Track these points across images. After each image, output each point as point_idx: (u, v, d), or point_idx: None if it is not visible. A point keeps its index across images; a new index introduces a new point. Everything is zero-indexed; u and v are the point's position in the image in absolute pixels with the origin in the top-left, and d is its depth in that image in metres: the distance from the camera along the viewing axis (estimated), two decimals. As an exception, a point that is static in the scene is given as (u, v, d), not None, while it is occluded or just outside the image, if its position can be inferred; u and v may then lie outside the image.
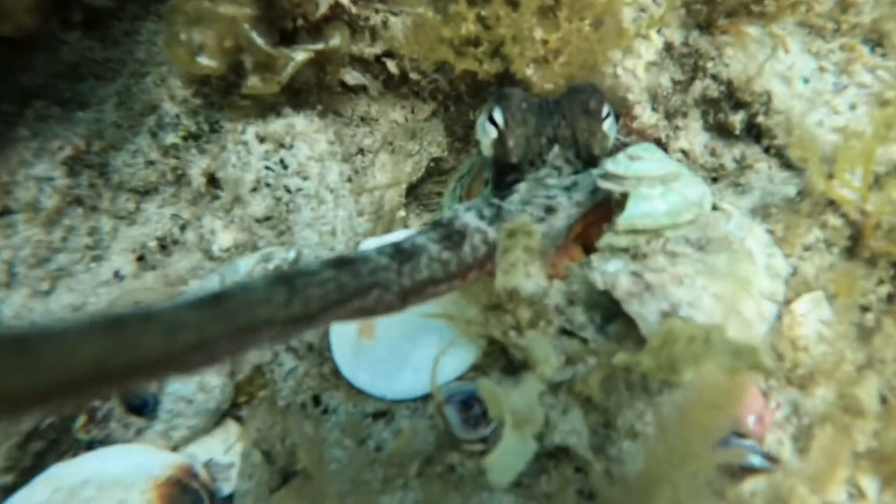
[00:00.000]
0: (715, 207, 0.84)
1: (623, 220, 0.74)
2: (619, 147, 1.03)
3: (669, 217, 0.74)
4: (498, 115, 0.92)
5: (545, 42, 1.02)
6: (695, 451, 0.52)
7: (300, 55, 0.96)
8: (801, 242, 0.91)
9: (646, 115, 1.19)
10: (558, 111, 0.93)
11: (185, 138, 1.13)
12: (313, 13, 0.95)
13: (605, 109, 0.93)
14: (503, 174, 0.94)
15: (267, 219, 1.02)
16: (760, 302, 0.74)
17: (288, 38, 1.02)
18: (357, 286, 0.54)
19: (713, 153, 1.11)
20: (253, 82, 0.96)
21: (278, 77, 0.95)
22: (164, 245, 1.16)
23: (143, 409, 1.02)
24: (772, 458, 0.78)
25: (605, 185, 0.79)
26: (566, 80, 1.01)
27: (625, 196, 0.77)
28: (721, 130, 1.11)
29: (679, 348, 0.56)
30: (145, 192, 1.20)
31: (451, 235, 0.71)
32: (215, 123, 1.13)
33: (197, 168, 1.12)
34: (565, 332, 0.79)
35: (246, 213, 1.02)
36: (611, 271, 0.73)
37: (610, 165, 0.79)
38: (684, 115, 1.16)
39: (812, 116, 0.99)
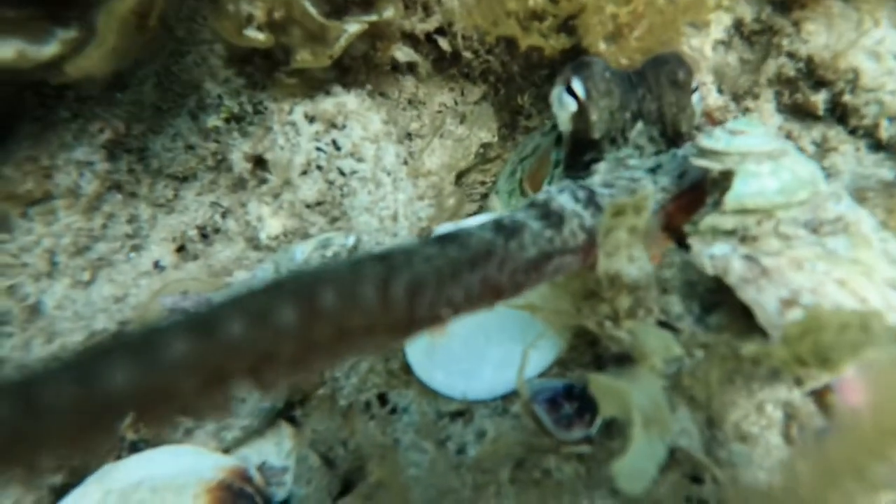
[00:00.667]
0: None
1: (731, 198, 0.67)
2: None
3: (783, 195, 0.67)
4: (578, 86, 0.85)
5: (615, 16, 0.96)
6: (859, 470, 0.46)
7: (353, 27, 0.89)
8: (903, 228, 0.84)
9: (711, 97, 1.12)
10: (642, 83, 0.85)
11: (227, 120, 1.07)
12: None
13: (694, 83, 0.86)
14: (579, 153, 0.87)
15: (319, 204, 0.96)
16: (884, 290, 0.67)
17: (339, 11, 0.96)
18: (470, 257, 0.48)
19: (789, 136, 1.04)
20: (303, 56, 0.89)
21: (330, 50, 0.89)
22: (206, 234, 1.10)
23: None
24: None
25: (702, 162, 0.72)
26: (643, 54, 0.94)
27: (726, 174, 0.70)
28: (797, 112, 1.05)
29: (829, 337, 0.49)
30: (184, 179, 1.14)
31: (550, 215, 0.64)
32: (259, 104, 1.06)
33: (239, 152, 1.06)
34: (661, 324, 0.72)
35: (296, 197, 0.96)
36: (719, 255, 0.67)
37: (706, 141, 0.72)
38: (755, 96, 1.09)
39: (906, 94, 0.93)
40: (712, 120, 1.09)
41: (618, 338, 0.68)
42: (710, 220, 0.69)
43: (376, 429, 0.78)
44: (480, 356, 0.76)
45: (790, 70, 1.03)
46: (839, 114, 0.99)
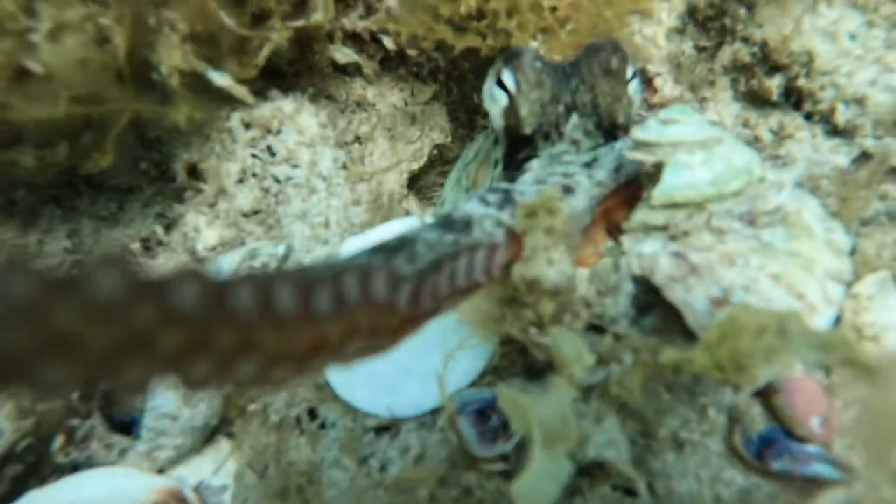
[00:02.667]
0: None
1: (660, 192, 0.63)
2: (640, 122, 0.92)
3: (715, 186, 0.63)
4: (508, 78, 0.80)
5: (553, 9, 0.92)
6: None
7: (276, 35, 0.86)
8: (859, 217, 0.79)
9: (668, 88, 1.08)
10: (576, 73, 0.81)
11: (167, 129, 1.04)
12: None
13: (630, 69, 0.81)
14: (514, 150, 0.83)
15: (255, 212, 0.92)
16: (825, 283, 0.63)
17: (265, 18, 0.92)
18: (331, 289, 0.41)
19: (746, 124, 1.00)
20: (230, 67, 0.86)
21: (254, 60, 0.86)
22: (149, 247, 1.07)
23: (131, 426, 0.92)
24: (843, 467, 0.67)
25: (635, 155, 0.69)
26: (575, 51, 0.90)
27: (658, 166, 0.66)
28: (754, 99, 1.01)
29: (746, 342, 0.45)
30: (128, 190, 1.11)
31: (452, 224, 0.56)
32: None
33: (180, 161, 1.03)
34: (594, 328, 0.68)
35: (232, 206, 0.93)
36: (647, 253, 0.63)
37: (639, 132, 0.69)
38: (711, 84, 1.05)
39: (862, 75, 0.88)
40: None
41: (543, 345, 0.64)
42: (640, 215, 0.65)
43: (306, 445, 0.75)
44: (405, 370, 0.72)
45: (745, 56, 0.99)
46: (795, 99, 0.95)
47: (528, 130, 0.79)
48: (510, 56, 0.81)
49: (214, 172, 0.94)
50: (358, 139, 1.13)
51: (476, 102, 1.26)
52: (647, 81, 1.08)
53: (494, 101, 0.82)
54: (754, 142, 0.97)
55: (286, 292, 0.35)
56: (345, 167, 0.97)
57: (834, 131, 0.91)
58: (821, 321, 0.61)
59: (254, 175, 0.93)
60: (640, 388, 0.55)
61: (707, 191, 0.63)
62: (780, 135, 0.95)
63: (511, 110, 0.80)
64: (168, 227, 1.08)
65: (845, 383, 0.72)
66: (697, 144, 0.65)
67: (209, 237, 0.93)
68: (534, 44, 0.90)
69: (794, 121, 0.94)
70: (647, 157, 0.67)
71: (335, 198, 0.92)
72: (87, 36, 0.75)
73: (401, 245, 0.50)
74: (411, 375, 0.74)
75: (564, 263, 0.61)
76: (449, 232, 0.54)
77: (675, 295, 0.60)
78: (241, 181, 0.94)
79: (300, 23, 0.89)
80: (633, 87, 0.82)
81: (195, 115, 0.84)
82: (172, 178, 1.07)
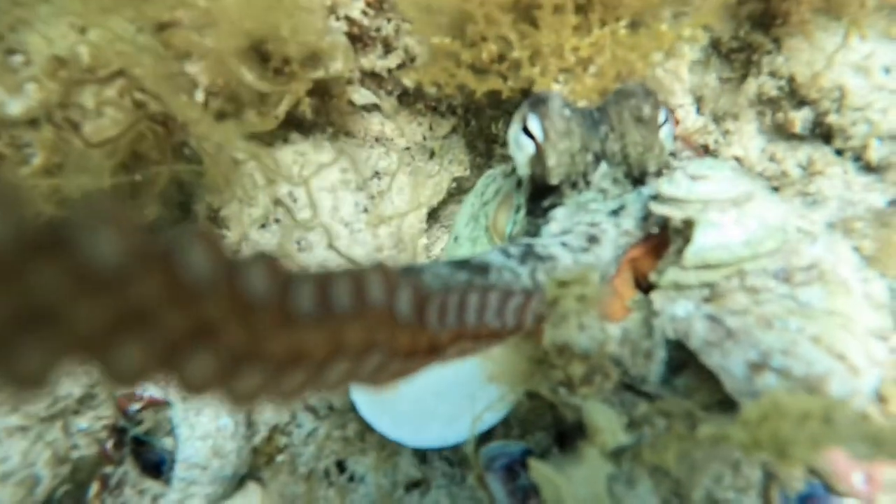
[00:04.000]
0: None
1: (692, 253, 0.62)
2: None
3: (749, 248, 0.62)
4: (535, 126, 0.78)
5: (576, 49, 0.91)
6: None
7: (298, 86, 0.86)
8: (896, 261, 0.77)
9: (690, 119, 1.06)
10: (605, 120, 0.79)
11: (190, 172, 1.05)
12: (310, 44, 0.85)
13: (663, 115, 0.79)
14: (539, 197, 0.82)
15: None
16: (867, 341, 0.61)
17: (285, 69, 0.92)
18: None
19: (773, 158, 0.98)
20: (250, 118, 0.87)
21: (275, 112, 0.86)
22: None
23: (160, 467, 0.93)
24: (885, 527, 0.65)
25: (662, 209, 0.67)
26: (600, 94, 0.89)
27: (688, 223, 0.65)
28: (781, 132, 0.98)
29: (788, 428, 0.44)
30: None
31: (467, 265, 0.52)
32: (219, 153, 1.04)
33: (202, 203, 1.03)
34: (626, 387, 0.67)
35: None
36: (681, 316, 0.61)
37: (667, 187, 0.67)
38: (735, 116, 1.03)
39: None
40: (690, 144, 1.03)
41: (574, 405, 0.63)
42: (671, 274, 0.64)
43: (335, 498, 0.75)
44: (431, 413, 0.72)
45: (771, 89, 0.97)
46: (824, 134, 0.93)
47: (555, 181, 0.78)
48: (537, 102, 0.79)
49: (237, 218, 0.95)
50: (377, 174, 1.13)
51: (494, 133, 1.25)
52: (670, 113, 1.06)
53: (520, 149, 0.81)
54: (782, 177, 0.95)
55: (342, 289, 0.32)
56: (366, 210, 0.97)
57: (867, 168, 0.88)
58: (865, 383, 0.60)
59: (276, 221, 0.94)
60: (675, 458, 0.53)
61: (741, 252, 0.61)
62: (808, 170, 0.92)
63: (538, 159, 0.79)
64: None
65: (885, 437, 0.70)
66: (729, 202, 0.63)
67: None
68: (556, 86, 0.89)
69: (824, 156, 0.92)
70: (675, 213, 0.66)
71: (358, 245, 0.92)
72: (124, 107, 0.76)
73: (406, 271, 0.46)
74: (435, 418, 0.74)
75: (595, 329, 0.60)
76: (461, 270, 0.50)
77: (711, 360, 0.58)
78: (263, 227, 0.94)
79: (320, 74, 0.89)
80: (665, 133, 0.80)
81: (229, 176, 0.85)
82: (195, 219, 1.08)
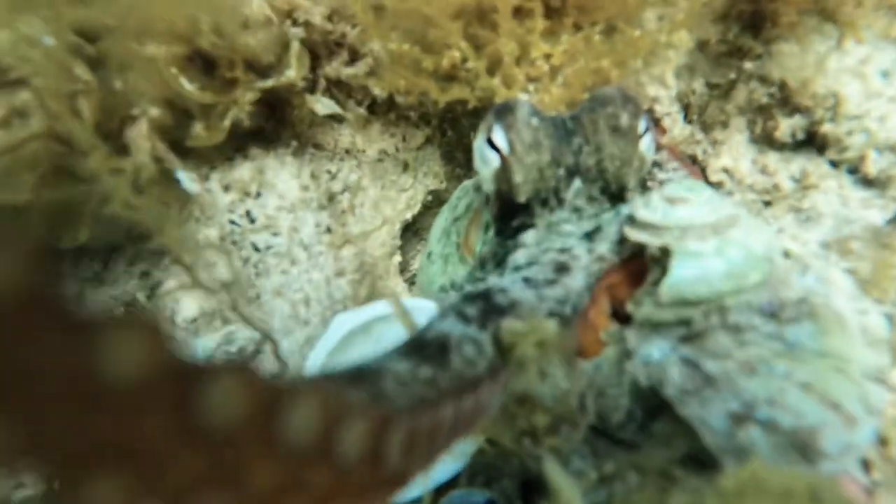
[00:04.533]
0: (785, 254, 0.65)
1: (668, 287, 0.56)
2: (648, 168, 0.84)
3: (731, 280, 0.55)
4: (500, 137, 0.71)
5: (547, 56, 0.84)
6: None
7: (246, 96, 0.80)
8: (896, 286, 0.71)
9: (677, 129, 1.00)
10: (579, 130, 0.71)
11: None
12: (252, 48, 0.79)
13: (643, 124, 0.71)
14: (508, 216, 0.75)
15: (235, 282, 0.87)
16: (863, 386, 0.55)
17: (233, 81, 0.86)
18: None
19: (764, 170, 0.91)
20: (197, 132, 0.80)
21: (221, 125, 0.80)
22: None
23: None
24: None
25: (637, 236, 0.61)
26: (567, 106, 0.82)
27: (665, 251, 0.59)
28: (772, 142, 0.92)
29: (771, 505, 0.38)
30: (112, 249, 1.07)
31: (425, 348, 0.45)
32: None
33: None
34: (598, 432, 0.61)
35: (211, 276, 0.87)
36: (656, 359, 0.55)
37: (642, 211, 0.61)
38: (724, 125, 0.96)
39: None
40: (676, 154, 0.97)
41: (539, 457, 0.57)
42: (646, 310, 0.58)
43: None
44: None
45: (762, 96, 0.90)
46: (818, 145, 0.86)
47: (522, 198, 0.71)
48: (502, 111, 0.72)
49: (192, 239, 0.89)
50: (347, 188, 1.07)
51: (472, 142, 1.19)
52: (655, 122, 1.00)
53: (485, 163, 0.74)
54: (773, 190, 0.89)
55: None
56: (329, 230, 0.91)
57: (864, 181, 0.82)
58: (861, 436, 0.53)
59: (233, 243, 0.88)
60: (648, 528, 0.47)
61: (722, 286, 0.55)
62: (802, 183, 0.86)
63: (503, 174, 0.71)
64: (152, 290, 1.03)
65: (887, 482, 0.64)
66: (709, 229, 0.57)
67: (189, 308, 0.88)
68: (523, 97, 0.83)
69: (818, 168, 0.85)
70: (652, 240, 0.60)
71: (316, 270, 0.85)
72: (42, 119, 0.70)
73: (360, 376, 0.39)
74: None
75: (559, 376, 0.54)
76: (423, 363, 0.43)
77: (689, 411, 0.52)
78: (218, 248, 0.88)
79: (269, 83, 0.83)
80: (646, 144, 0.72)
81: (167, 202, 0.79)
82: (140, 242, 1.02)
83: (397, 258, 1.07)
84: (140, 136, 0.77)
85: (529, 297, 0.64)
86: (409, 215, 1.10)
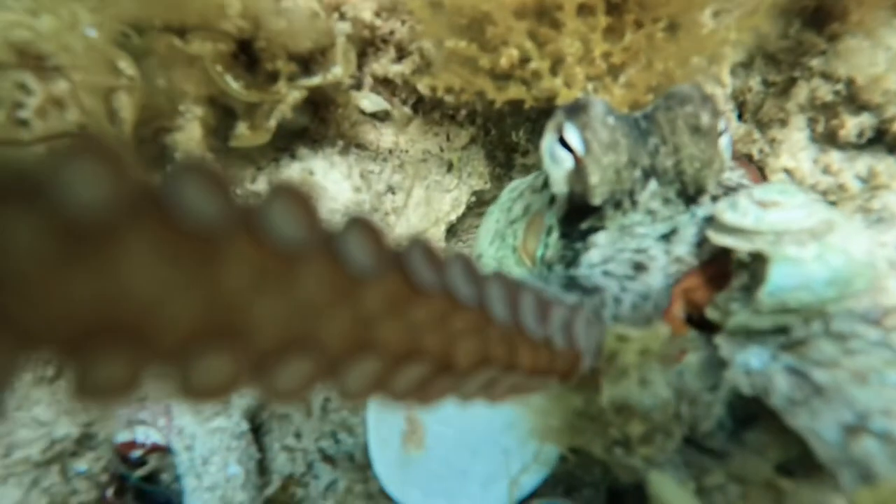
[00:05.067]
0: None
1: (768, 295, 0.54)
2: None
3: (835, 287, 0.53)
4: (574, 137, 0.67)
5: (607, 55, 0.82)
6: None
7: (292, 94, 0.77)
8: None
9: (732, 127, 0.98)
10: (654, 130, 0.68)
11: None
12: (299, 46, 0.76)
13: (722, 124, 0.69)
14: (575, 219, 0.73)
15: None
16: (970, 396, 0.53)
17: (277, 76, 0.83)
18: None
19: (827, 170, 0.89)
20: (241, 131, 0.78)
21: (266, 124, 0.77)
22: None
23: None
24: None
25: (725, 240, 0.59)
26: (630, 107, 0.80)
27: (756, 257, 0.57)
28: (834, 141, 0.90)
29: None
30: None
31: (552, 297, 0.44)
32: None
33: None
34: (688, 442, 0.59)
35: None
36: (757, 368, 0.53)
37: (731, 215, 0.59)
38: (783, 123, 0.94)
39: (971, 119, 0.77)
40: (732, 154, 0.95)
41: (631, 467, 0.56)
42: (741, 317, 0.56)
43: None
44: (464, 472, 0.64)
45: (826, 93, 0.88)
46: (887, 144, 0.84)
47: (598, 201, 0.68)
48: (575, 109, 0.68)
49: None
50: (391, 189, 1.05)
51: (514, 141, 1.17)
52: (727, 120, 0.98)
53: (557, 163, 0.71)
54: (839, 191, 0.86)
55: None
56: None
57: (937, 181, 0.80)
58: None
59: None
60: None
61: (826, 293, 0.53)
62: (870, 183, 0.84)
63: (578, 176, 0.68)
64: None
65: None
66: (807, 234, 0.55)
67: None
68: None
69: (888, 167, 0.83)
70: (742, 245, 0.57)
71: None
72: (81, 112, 0.67)
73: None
74: (470, 478, 0.66)
75: (660, 385, 0.52)
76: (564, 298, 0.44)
77: (799, 422, 0.50)
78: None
79: (316, 80, 0.80)
80: (724, 144, 0.69)
81: None
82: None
83: (443, 260, 1.05)
84: (191, 141, 0.75)
85: (612, 285, 0.62)
86: (453, 217, 1.08)
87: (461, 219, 1.19)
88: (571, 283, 0.60)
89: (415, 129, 1.08)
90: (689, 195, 0.68)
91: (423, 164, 1.07)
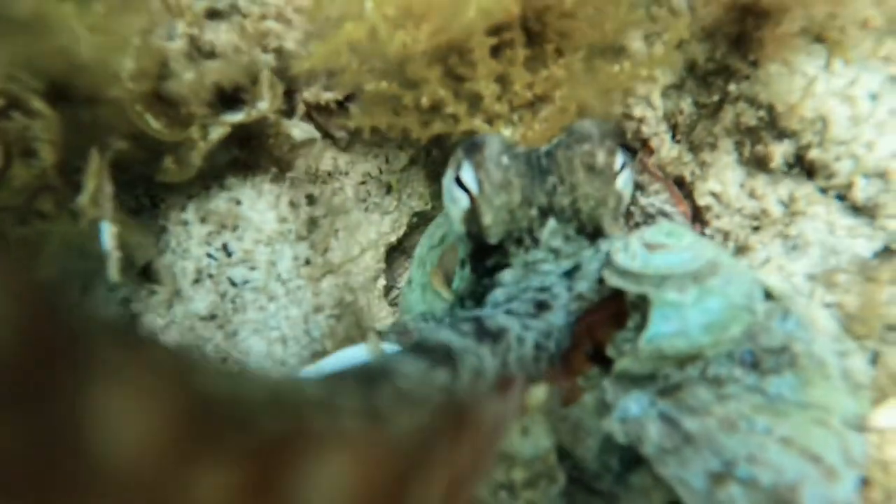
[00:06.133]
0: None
1: (647, 342, 0.55)
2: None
3: (711, 334, 0.54)
4: (468, 176, 0.69)
5: (530, 85, 0.82)
6: None
7: (215, 131, 0.77)
8: (883, 321, 0.70)
9: (665, 149, 0.98)
10: (553, 168, 0.69)
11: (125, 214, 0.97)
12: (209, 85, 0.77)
13: (619, 160, 0.70)
14: (482, 255, 0.73)
15: (212, 317, 0.85)
16: (845, 436, 0.54)
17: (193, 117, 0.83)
18: None
19: (752, 194, 0.90)
20: (167, 165, 0.78)
21: (191, 160, 0.78)
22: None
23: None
24: None
25: (616, 282, 0.60)
26: (549, 141, 0.80)
27: (643, 299, 0.58)
28: (761, 165, 0.90)
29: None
30: (94, 275, 1.05)
31: (430, 352, 0.42)
32: (155, 197, 0.96)
33: (140, 256, 0.96)
34: (572, 480, 0.60)
35: (188, 310, 0.86)
36: (633, 415, 0.54)
37: (621, 257, 0.60)
38: (713, 147, 0.94)
39: (885, 145, 0.78)
40: (657, 178, 0.95)
41: (517, 512, 0.56)
42: (625, 363, 0.57)
43: None
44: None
45: (750, 118, 0.88)
46: (807, 169, 0.84)
47: (493, 240, 0.69)
48: (471, 148, 0.70)
49: (169, 272, 0.87)
50: (328, 213, 1.05)
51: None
52: (643, 142, 0.98)
53: (454, 203, 0.72)
54: (762, 216, 0.87)
55: None
56: (308, 262, 0.89)
57: (853, 209, 0.80)
58: (842, 489, 0.52)
59: (209, 276, 0.86)
60: None
61: (701, 339, 0.54)
62: (790, 209, 0.84)
63: (472, 215, 0.70)
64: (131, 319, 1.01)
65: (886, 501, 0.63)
66: (689, 277, 0.56)
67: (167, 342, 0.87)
68: (507, 132, 0.81)
69: (806, 194, 0.84)
70: (630, 287, 0.58)
71: (294, 306, 0.84)
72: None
73: (375, 376, 0.33)
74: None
75: (540, 434, 0.53)
76: (436, 366, 0.40)
77: (668, 471, 0.51)
78: (196, 282, 0.87)
79: (240, 117, 0.80)
80: (623, 182, 0.71)
81: (128, 240, 0.77)
82: (132, 270, 1.00)
83: (382, 281, 1.06)
84: (91, 173, 0.75)
85: (514, 325, 0.63)
86: (393, 238, 1.09)
87: (406, 238, 1.19)
88: (479, 329, 0.59)
89: (353, 152, 1.08)
90: (588, 233, 0.69)
91: (361, 186, 1.08)
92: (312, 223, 1.01)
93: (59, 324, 0.15)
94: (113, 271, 0.72)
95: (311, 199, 1.02)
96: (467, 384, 0.43)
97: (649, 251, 0.58)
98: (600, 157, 0.68)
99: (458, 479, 0.33)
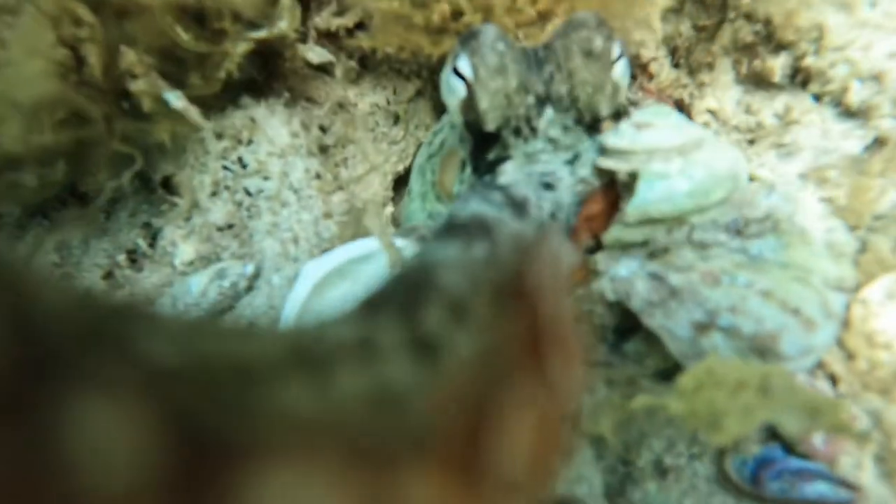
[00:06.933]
0: (750, 178, 0.67)
1: (633, 207, 0.58)
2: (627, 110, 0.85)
3: (693, 198, 0.57)
4: (464, 64, 0.68)
5: (533, 2, 0.84)
6: None
7: (239, 46, 0.81)
8: (872, 210, 0.72)
9: (664, 73, 1.00)
10: (550, 58, 0.69)
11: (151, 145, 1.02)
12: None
13: (616, 49, 0.69)
14: (482, 149, 0.74)
15: (229, 227, 0.90)
16: (824, 293, 0.57)
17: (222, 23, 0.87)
18: None
19: (748, 110, 0.92)
20: (193, 81, 0.83)
21: (216, 74, 0.82)
22: (134, 259, 1.06)
23: None
24: (849, 486, 0.62)
25: (607, 163, 0.63)
26: None
27: (633, 176, 0.61)
28: (758, 82, 0.92)
29: (722, 398, 0.41)
30: (114, 200, 1.10)
31: (465, 227, 0.37)
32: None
33: (159, 172, 1.01)
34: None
35: (206, 221, 0.91)
36: (623, 276, 0.58)
37: (611, 138, 0.63)
38: (710, 67, 0.96)
39: (881, 47, 0.79)
40: (663, 99, 0.97)
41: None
42: (614, 231, 0.60)
43: None
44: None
45: (747, 34, 0.90)
46: (802, 81, 0.86)
47: (490, 126, 0.69)
48: (467, 37, 0.69)
49: (188, 185, 0.92)
50: (338, 142, 1.09)
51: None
52: (642, 67, 1.00)
53: (452, 93, 0.72)
54: (757, 129, 0.89)
55: None
56: (318, 176, 0.94)
57: (846, 113, 0.82)
58: (819, 339, 0.56)
59: (226, 188, 0.91)
60: (613, 428, 0.50)
61: (684, 204, 0.57)
62: (784, 119, 0.86)
63: (469, 103, 0.69)
64: (154, 238, 1.07)
65: (853, 394, 0.67)
66: (674, 151, 0.59)
67: (186, 252, 0.92)
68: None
69: (801, 103, 0.86)
70: (621, 166, 0.61)
71: (305, 212, 0.88)
72: (57, 60, 0.73)
73: (416, 290, 0.28)
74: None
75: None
76: (473, 242, 0.35)
77: (654, 321, 0.55)
78: (214, 194, 0.91)
79: (262, 34, 0.84)
80: (620, 70, 0.70)
81: (177, 130, 0.82)
82: (154, 188, 1.05)
83: (389, 209, 1.10)
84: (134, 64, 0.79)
85: (531, 195, 0.65)
86: (401, 167, 1.12)
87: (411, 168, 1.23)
88: (509, 200, 0.53)
89: (362, 83, 1.11)
90: (587, 123, 0.70)
91: (370, 116, 1.11)
92: (322, 150, 1.05)
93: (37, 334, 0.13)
94: (196, 119, 0.77)
95: (322, 129, 1.06)
96: (507, 251, 0.37)
97: (637, 130, 0.61)
98: (597, 42, 0.68)
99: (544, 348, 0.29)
